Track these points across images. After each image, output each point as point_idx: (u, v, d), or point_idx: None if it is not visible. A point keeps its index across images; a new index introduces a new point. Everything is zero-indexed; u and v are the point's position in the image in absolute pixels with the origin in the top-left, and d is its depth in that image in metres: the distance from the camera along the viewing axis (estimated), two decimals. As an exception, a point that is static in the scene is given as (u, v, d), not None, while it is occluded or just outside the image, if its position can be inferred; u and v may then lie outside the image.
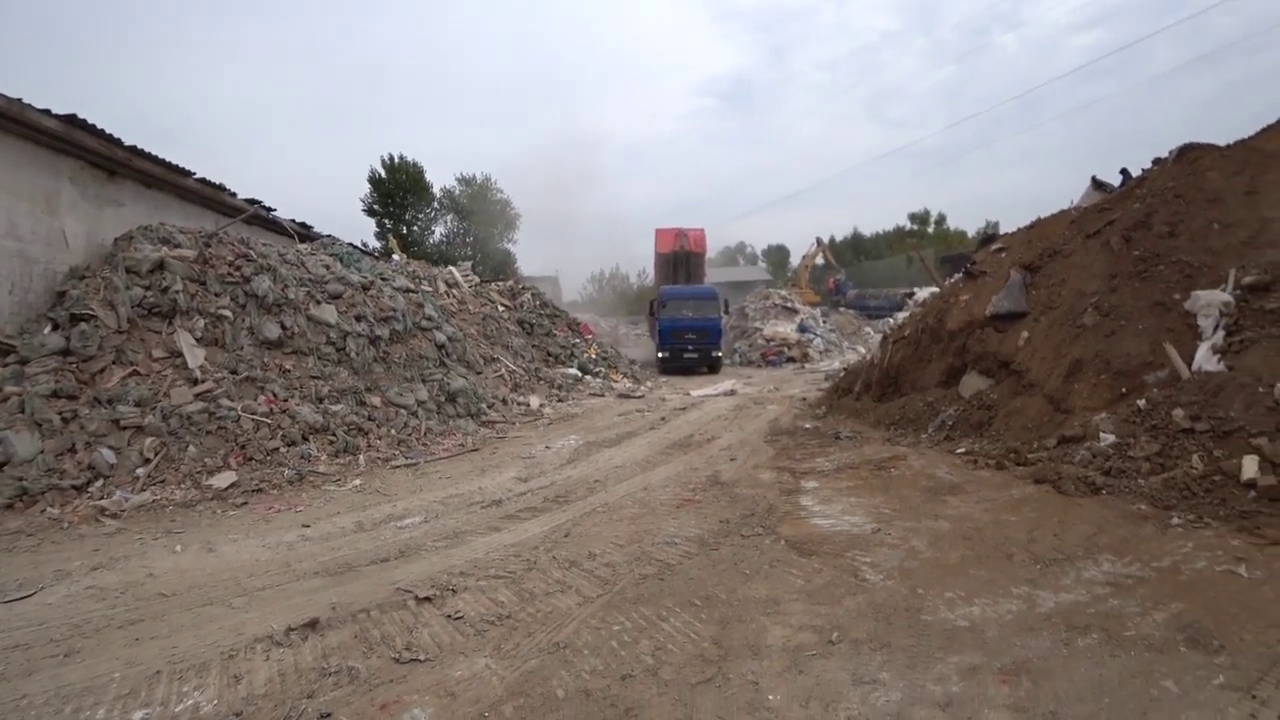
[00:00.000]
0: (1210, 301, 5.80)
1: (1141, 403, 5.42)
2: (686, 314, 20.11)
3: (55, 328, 6.76)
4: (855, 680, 2.66)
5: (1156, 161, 8.21)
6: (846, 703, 2.51)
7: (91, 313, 6.82)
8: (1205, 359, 5.46)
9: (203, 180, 9.91)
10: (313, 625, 3.39)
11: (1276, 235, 6.19)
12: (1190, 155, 7.55)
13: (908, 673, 2.70)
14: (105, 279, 7.21)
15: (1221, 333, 5.57)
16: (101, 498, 5.65)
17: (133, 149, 8.27)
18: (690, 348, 19.88)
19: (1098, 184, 9.60)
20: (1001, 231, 11.88)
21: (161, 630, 3.43)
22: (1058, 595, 3.32)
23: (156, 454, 6.19)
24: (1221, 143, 7.60)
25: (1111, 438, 5.31)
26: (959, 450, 6.55)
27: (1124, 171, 9.04)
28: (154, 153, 8.72)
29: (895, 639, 2.98)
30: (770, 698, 2.58)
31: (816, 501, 5.35)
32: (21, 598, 3.89)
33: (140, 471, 6.00)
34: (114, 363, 6.72)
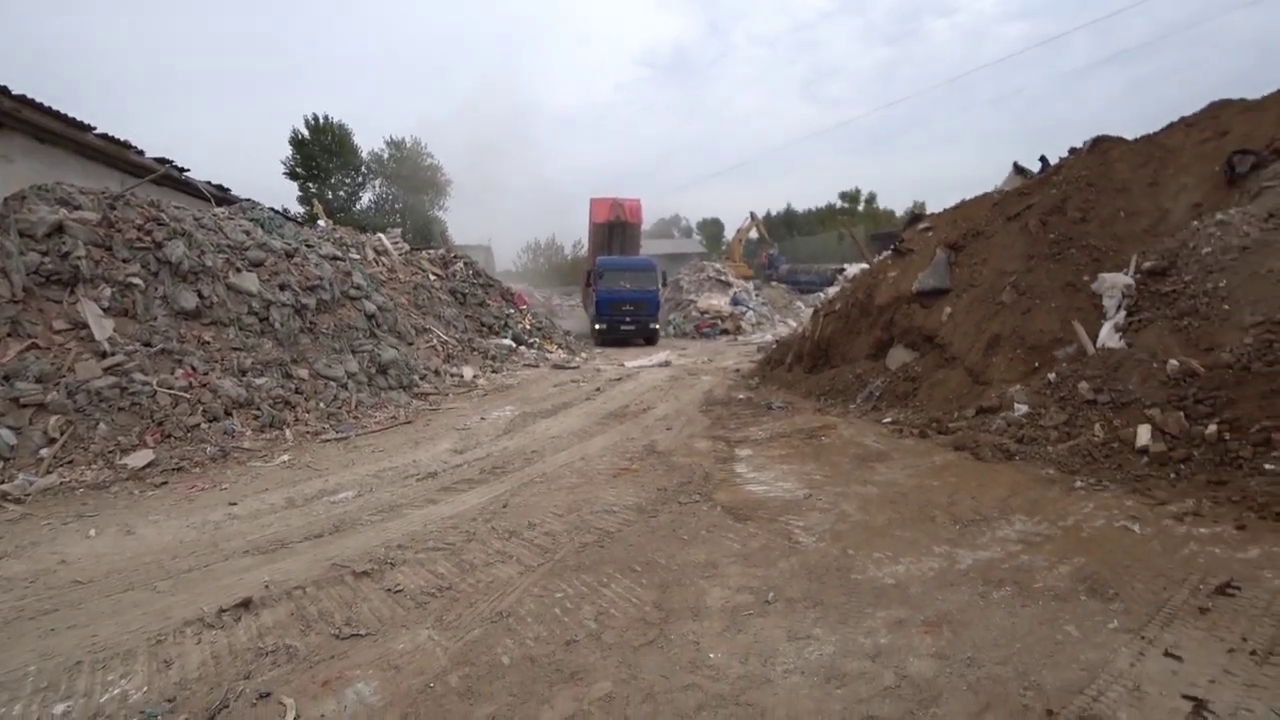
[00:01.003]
0: (1114, 284, 6.25)
1: (1052, 376, 5.83)
2: (624, 285, 19.96)
3: (-63, 296, 6.16)
4: (791, 636, 2.81)
5: (1072, 150, 8.70)
6: (783, 657, 2.65)
7: (-20, 280, 6.24)
8: (1108, 336, 5.90)
9: (104, 136, 9.14)
10: (246, 605, 3.29)
11: (1174, 224, 6.70)
12: (1102, 146, 8.05)
13: (839, 627, 2.86)
14: (-5, 243, 6.59)
15: (1123, 313, 6.02)
16: (2, 481, 5.24)
17: (20, 98, 7.54)
18: (627, 319, 19.78)
19: (1019, 169, 10.11)
20: (928, 211, 12.37)
21: (79, 619, 3.25)
22: (975, 553, 3.57)
23: (62, 433, 5.78)
24: (1130, 136, 8.12)
25: (1025, 408, 5.69)
26: (885, 420, 6.87)
27: (1043, 159, 9.55)
28: (47, 104, 7.97)
29: (827, 597, 3.15)
30: (711, 656, 2.69)
31: (751, 469, 5.53)
32: (-87, 589, 3.60)
33: (45, 452, 5.59)
34: (9, 335, 6.19)
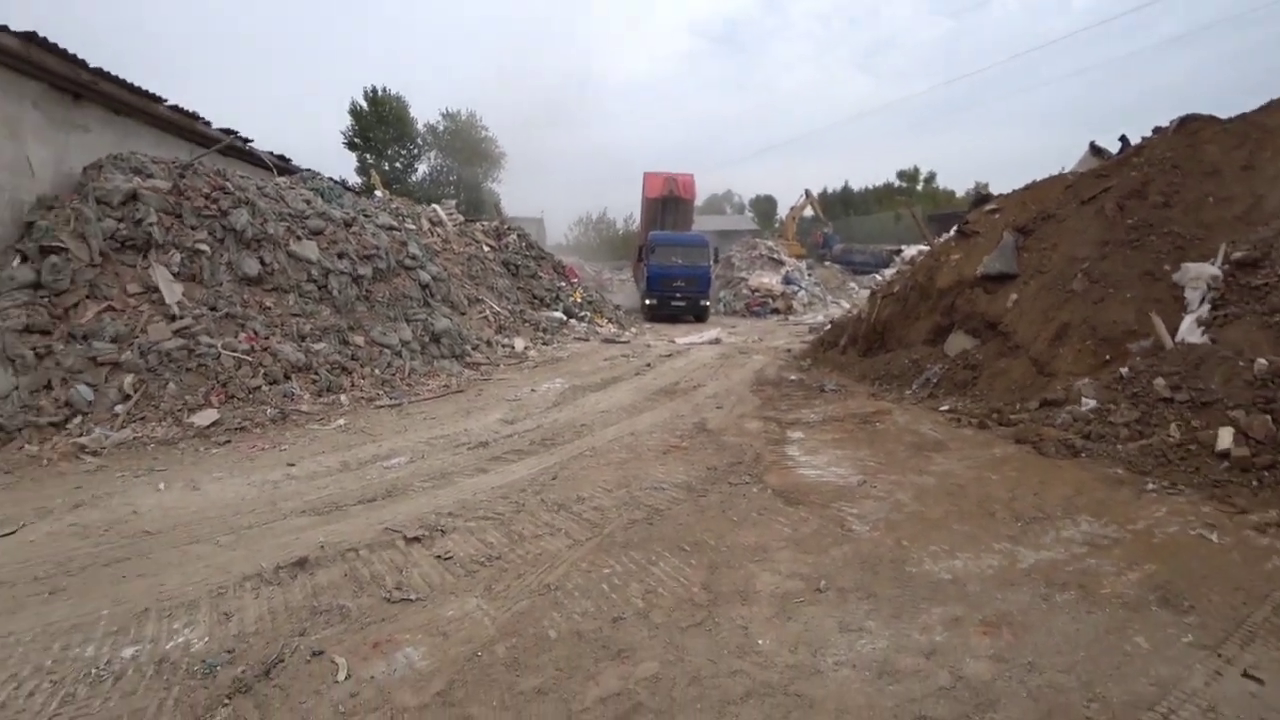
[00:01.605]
0: (1199, 274, 5.84)
1: (1124, 370, 5.51)
2: (676, 261, 19.76)
3: (24, 260, 6.48)
4: (842, 627, 2.74)
5: (1156, 130, 8.14)
6: (834, 649, 2.59)
7: (62, 245, 6.55)
8: (1189, 331, 5.53)
9: (175, 108, 9.42)
10: (301, 564, 3.40)
11: (1269, 212, 6.21)
12: (1190, 126, 7.49)
13: (893, 622, 2.77)
14: (75, 210, 6.89)
15: (1207, 306, 5.62)
16: (81, 435, 5.54)
17: (98, 71, 7.80)
18: (678, 295, 19.61)
19: (1096, 150, 9.53)
20: (992, 192, 11.80)
21: (148, 568, 3.41)
22: (1038, 552, 3.41)
23: (136, 391, 6.06)
24: (1223, 115, 7.54)
25: (1093, 403, 5.41)
26: (943, 408, 6.64)
27: (1123, 139, 8.97)
28: (122, 77, 8.25)
29: (881, 589, 3.06)
30: (760, 642, 2.65)
31: (802, 452, 5.42)
32: (2, 535, 3.83)
33: (120, 409, 5.88)
34: (87, 297, 6.49)
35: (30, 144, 7.15)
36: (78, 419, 5.68)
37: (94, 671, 2.52)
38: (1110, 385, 5.50)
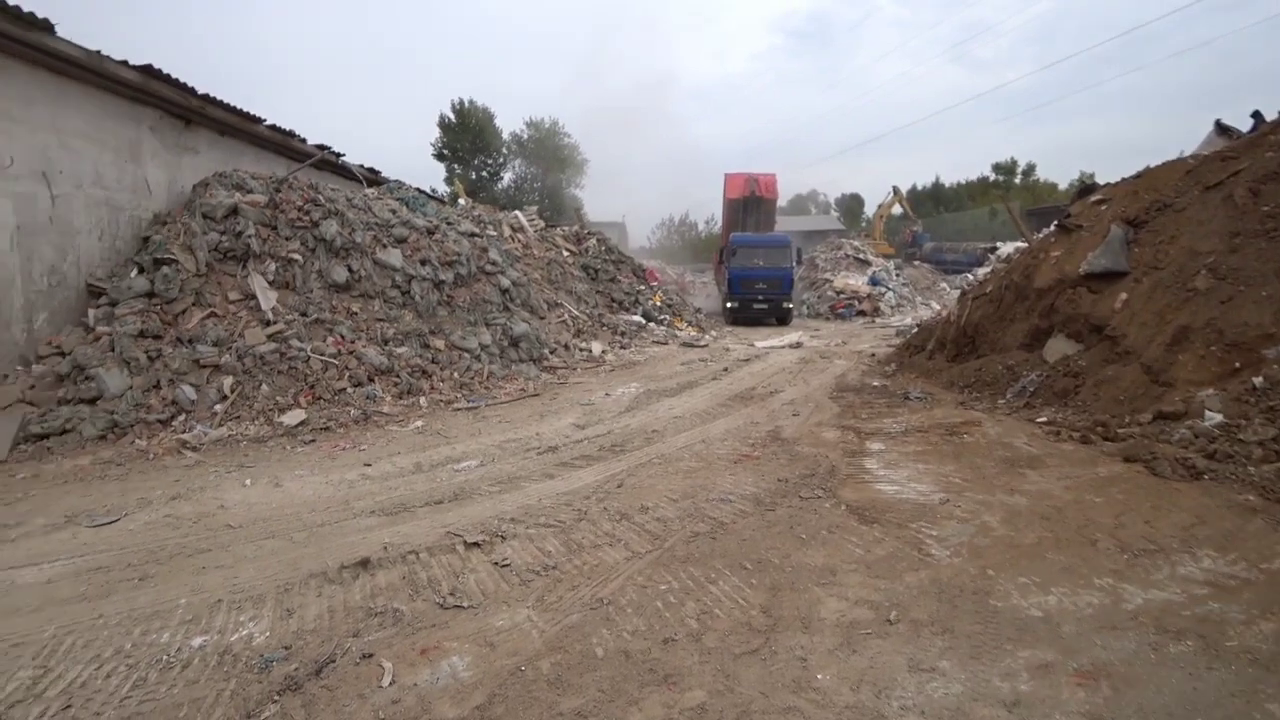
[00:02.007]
0: (1354, 265, 5.08)
1: (1258, 380, 4.86)
2: (757, 263, 19.45)
3: (140, 271, 7.09)
4: (912, 666, 2.48)
5: (1299, 103, 7.19)
6: (901, 690, 2.34)
7: (173, 257, 7.11)
8: (1341, 332, 4.82)
9: (273, 127, 10.09)
10: (364, 564, 3.47)
11: None
12: (1343, 95, 6.57)
13: (971, 663, 2.49)
14: (184, 224, 7.48)
15: (1365, 302, 4.88)
16: (183, 431, 5.97)
17: (206, 97, 8.45)
18: (760, 298, 19.31)
19: (1222, 129, 8.57)
20: (1100, 183, 10.82)
21: (226, 560, 3.58)
22: (1147, 591, 3.00)
23: (233, 391, 6.48)
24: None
25: (1218, 417, 4.79)
26: (1040, 419, 6.10)
27: (1256, 115, 8.02)
28: (226, 101, 8.90)
29: (960, 624, 2.77)
30: (818, 677, 2.45)
31: (881, 465, 5.10)
32: (107, 523, 4.16)
33: (218, 408, 6.30)
34: (194, 304, 7.01)
35: (148, 166, 7.83)
36: (182, 417, 6.13)
37: (165, 658, 2.65)
38: (1240, 397, 4.86)
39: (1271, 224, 5.91)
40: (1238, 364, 5.27)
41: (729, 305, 19.76)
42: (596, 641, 2.72)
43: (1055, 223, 9.07)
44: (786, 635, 2.73)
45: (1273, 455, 4.29)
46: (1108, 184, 9.46)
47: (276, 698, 2.37)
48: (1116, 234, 7.21)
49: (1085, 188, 10.18)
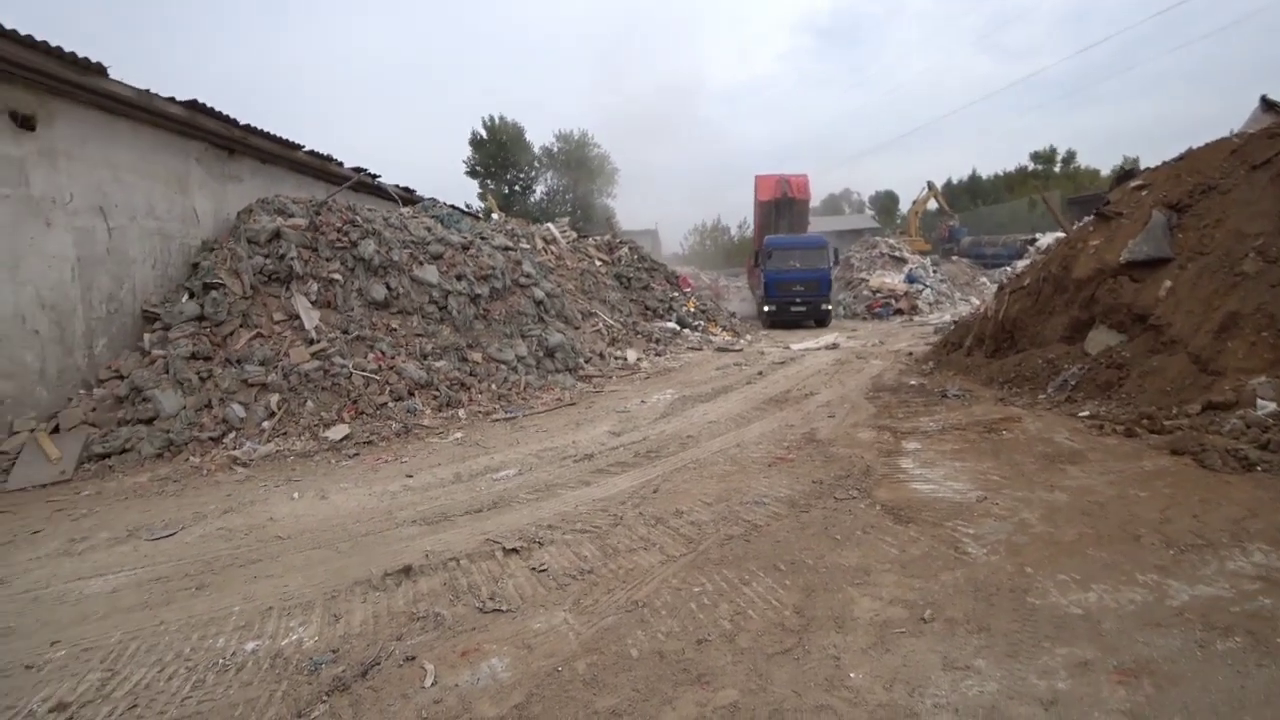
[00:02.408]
0: None
1: (1314, 364, 4.67)
2: (794, 265, 19.29)
3: (191, 296, 7.44)
4: (947, 664, 2.47)
5: (1351, 75, 6.88)
6: (935, 689, 2.33)
7: (220, 281, 7.44)
8: (1404, 312, 4.60)
9: (311, 153, 10.49)
10: (406, 571, 3.58)
11: None
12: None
13: (1007, 661, 2.46)
14: (230, 249, 7.82)
15: None
16: (234, 448, 6.23)
17: (248, 128, 8.84)
18: (798, 300, 19.11)
19: (1268, 105, 8.24)
20: (1143, 168, 10.47)
21: (276, 570, 3.74)
22: (1194, 587, 2.91)
23: (279, 409, 6.74)
24: None
25: (1272, 405, 4.62)
26: (1082, 413, 5.94)
27: (1307, 89, 7.67)
28: (266, 129, 9.29)
29: (996, 622, 2.74)
30: (851, 675, 2.45)
31: (917, 464, 5.04)
32: (165, 536, 4.37)
33: (266, 424, 6.56)
34: (241, 326, 7.32)
35: (196, 196, 8.22)
36: (232, 434, 6.40)
37: (221, 661, 2.79)
38: (1296, 385, 4.68)
39: (1325, 203, 5.68)
40: (1292, 350, 5.07)
41: (766, 309, 19.58)
42: (631, 643, 2.77)
43: (1094, 211, 8.83)
44: (820, 635, 2.74)
45: (1331, 444, 4.12)
46: (1148, 169, 9.18)
47: (325, 698, 2.48)
48: (1158, 220, 6.99)
49: (1124, 173, 9.90)
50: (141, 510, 4.96)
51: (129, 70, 6.99)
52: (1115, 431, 5.32)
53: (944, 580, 3.14)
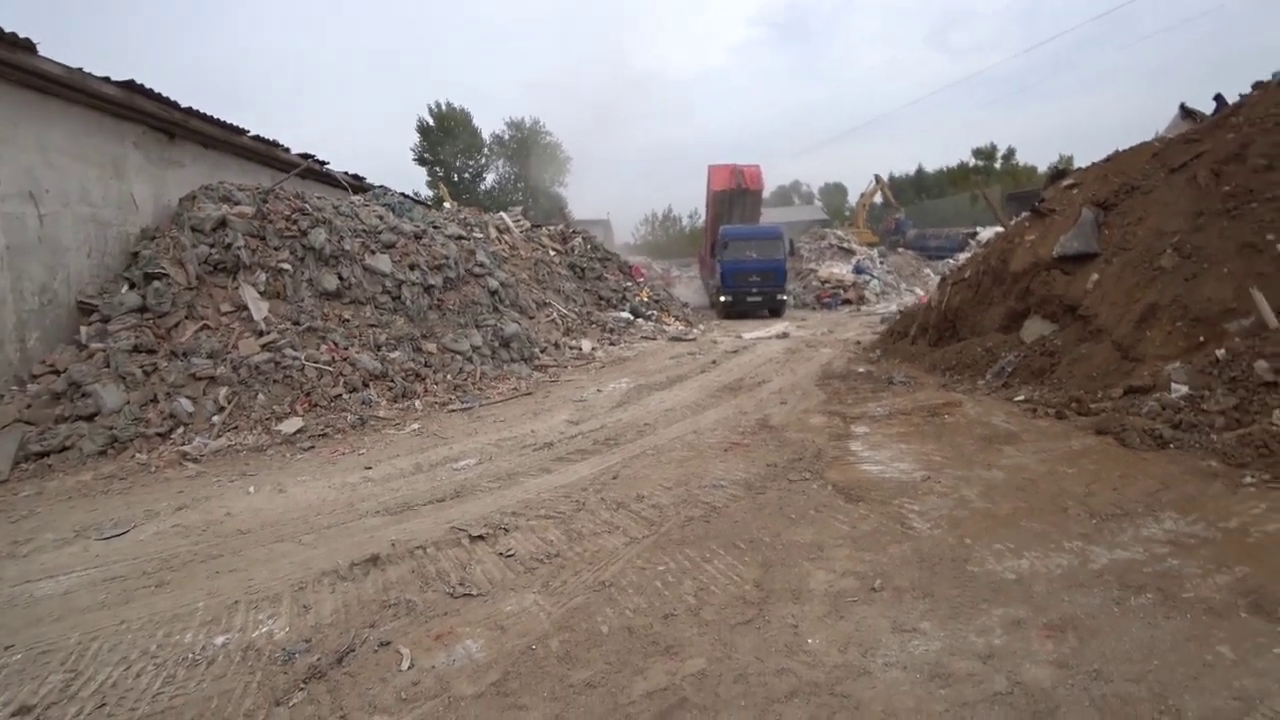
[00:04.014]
0: (1308, 241, 5.33)
1: (1221, 353, 5.10)
2: (750, 255, 19.45)
3: (131, 286, 7.15)
4: (895, 628, 2.67)
5: (1257, 86, 7.46)
6: (885, 649, 2.53)
7: (163, 271, 7.18)
8: (1298, 304, 5.06)
9: (257, 138, 10.13)
10: (374, 561, 3.61)
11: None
12: (1297, 77, 6.83)
13: (949, 623, 2.69)
14: (173, 238, 7.54)
15: (1319, 275, 5.13)
16: (183, 444, 6.05)
17: (189, 110, 8.49)
18: (754, 290, 19.30)
19: (1186, 112, 8.84)
20: (1076, 166, 11.08)
21: (239, 564, 3.71)
22: (1113, 552, 3.21)
23: (229, 402, 6.57)
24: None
25: (1184, 389, 5.03)
26: (1017, 398, 6.33)
27: (1218, 98, 8.27)
28: (209, 113, 8.94)
29: (939, 589, 2.97)
30: (809, 641, 2.63)
31: (866, 447, 5.30)
32: (117, 535, 4.26)
33: (216, 419, 6.39)
34: (186, 318, 7.08)
35: (133, 182, 7.87)
36: (180, 429, 6.21)
37: (191, 656, 2.78)
38: (1204, 370, 5.10)
39: (1232, 203, 6.15)
40: (1202, 338, 5.52)
41: (723, 299, 19.62)
42: (601, 620, 2.88)
43: (1030, 207, 9.32)
44: (778, 606, 2.91)
45: (1233, 423, 4.53)
46: (1080, 168, 9.73)
47: (303, 685, 2.52)
48: (1087, 217, 7.45)
49: (1058, 172, 10.46)
50: (88, 510, 4.80)
51: (64, 52, 6.64)
52: (1047, 414, 5.70)
53: (892, 553, 3.36)
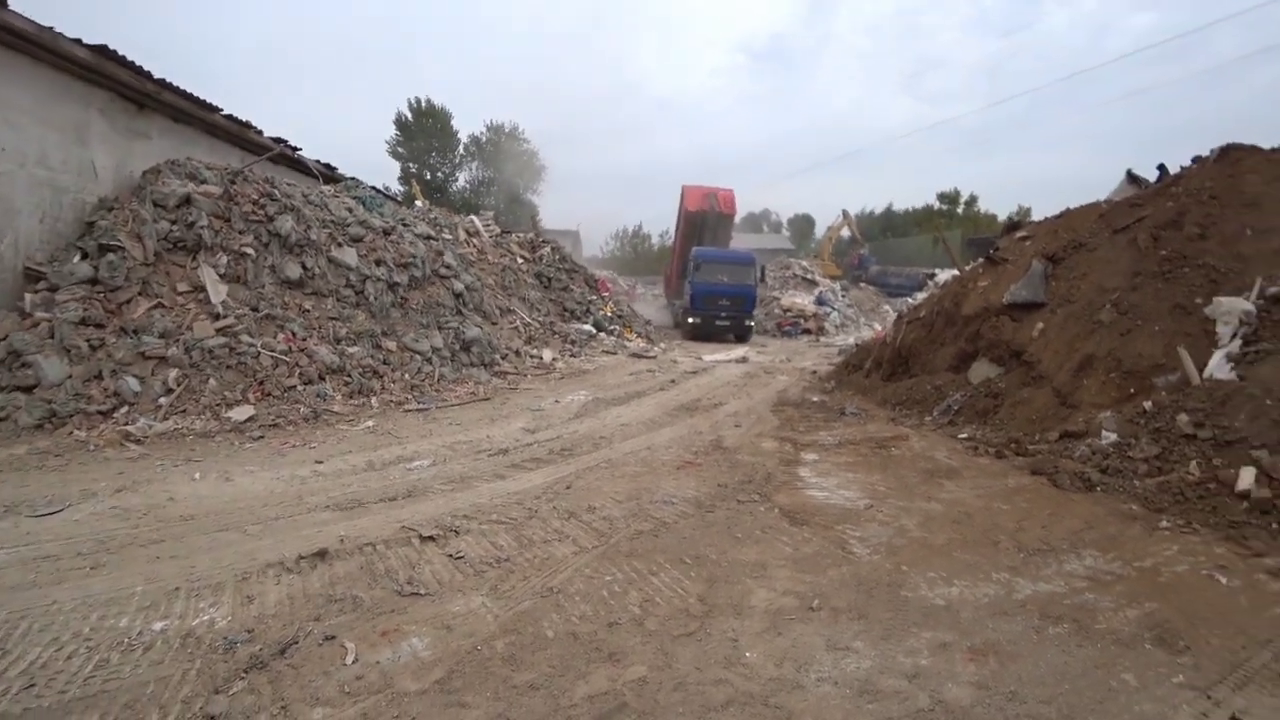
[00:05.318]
0: (1231, 309, 5.73)
1: (1148, 404, 5.43)
2: (721, 279, 19.35)
3: (84, 257, 6.91)
4: (830, 646, 2.80)
5: (1196, 160, 8.01)
6: (819, 666, 2.65)
7: (119, 244, 6.97)
8: (1218, 366, 5.43)
9: (230, 117, 9.93)
10: (322, 555, 3.58)
11: (1310, 244, 6.07)
12: (1232, 155, 7.37)
13: (881, 643, 2.82)
14: (133, 211, 7.33)
15: (1239, 341, 5.52)
16: (126, 423, 5.87)
17: (162, 82, 8.30)
18: (723, 314, 19.25)
19: (1132, 178, 9.41)
20: (1032, 218, 11.67)
21: (180, 551, 3.63)
22: (1036, 584, 3.41)
23: (179, 385, 6.40)
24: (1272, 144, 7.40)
25: (1113, 436, 5.34)
26: (961, 435, 6.61)
27: (1161, 167, 8.84)
28: (182, 87, 8.75)
29: (873, 611, 3.11)
30: (747, 655, 2.73)
31: (814, 474, 5.46)
32: (50, 513, 4.12)
33: (163, 401, 6.21)
34: (140, 294, 6.88)
35: (95, 149, 7.64)
36: (124, 408, 6.02)
37: (126, 641, 2.73)
38: (1132, 419, 5.43)
39: (1167, 266, 6.58)
40: (1133, 390, 5.87)
41: (691, 320, 19.47)
42: (547, 625, 2.93)
43: (985, 255, 9.77)
44: (720, 620, 3.01)
45: (1155, 470, 4.83)
46: (1033, 222, 10.25)
47: (244, 675, 2.50)
48: (1037, 268, 7.86)
49: (1013, 224, 10.98)
50: (19, 485, 4.62)
51: (36, 8, 6.42)
52: (988, 453, 5.97)
53: (831, 575, 3.50)
